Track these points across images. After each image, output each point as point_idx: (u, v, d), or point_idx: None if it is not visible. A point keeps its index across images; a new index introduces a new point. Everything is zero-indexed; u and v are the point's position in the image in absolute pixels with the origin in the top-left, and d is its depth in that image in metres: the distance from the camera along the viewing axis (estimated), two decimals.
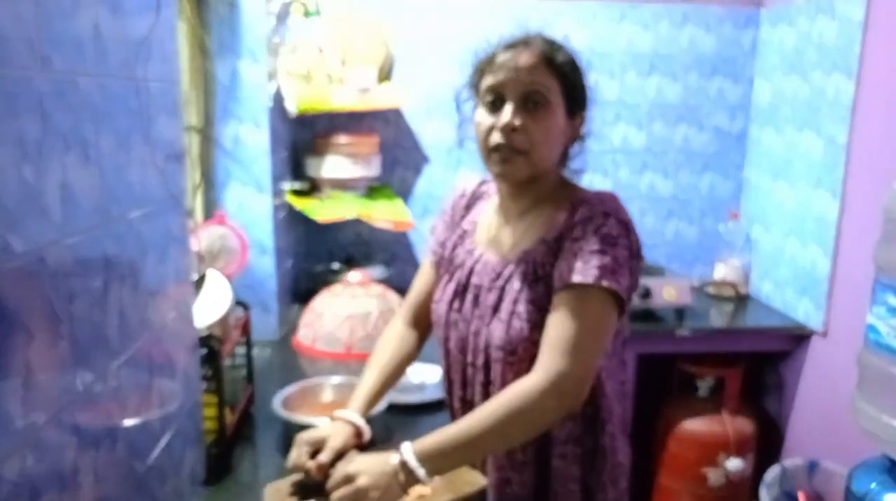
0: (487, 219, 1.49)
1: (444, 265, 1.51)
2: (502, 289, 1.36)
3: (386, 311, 2.36)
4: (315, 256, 3.12)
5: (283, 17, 2.60)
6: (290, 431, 1.68)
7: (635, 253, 1.31)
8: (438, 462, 1.22)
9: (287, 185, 2.73)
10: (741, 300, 3.04)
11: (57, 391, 0.91)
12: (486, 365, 1.38)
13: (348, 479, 1.20)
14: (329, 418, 1.44)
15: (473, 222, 1.51)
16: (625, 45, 3.06)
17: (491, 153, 1.34)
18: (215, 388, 1.60)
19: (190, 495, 1.47)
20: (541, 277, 1.33)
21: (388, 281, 2.77)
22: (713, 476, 2.74)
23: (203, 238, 2.09)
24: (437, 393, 1.96)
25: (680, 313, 2.73)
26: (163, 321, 1.30)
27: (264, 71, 2.35)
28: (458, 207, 1.57)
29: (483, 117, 1.34)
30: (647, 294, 2.61)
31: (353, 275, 2.55)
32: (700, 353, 2.82)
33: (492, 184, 1.51)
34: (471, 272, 1.43)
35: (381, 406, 1.61)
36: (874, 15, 2.34)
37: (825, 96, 2.57)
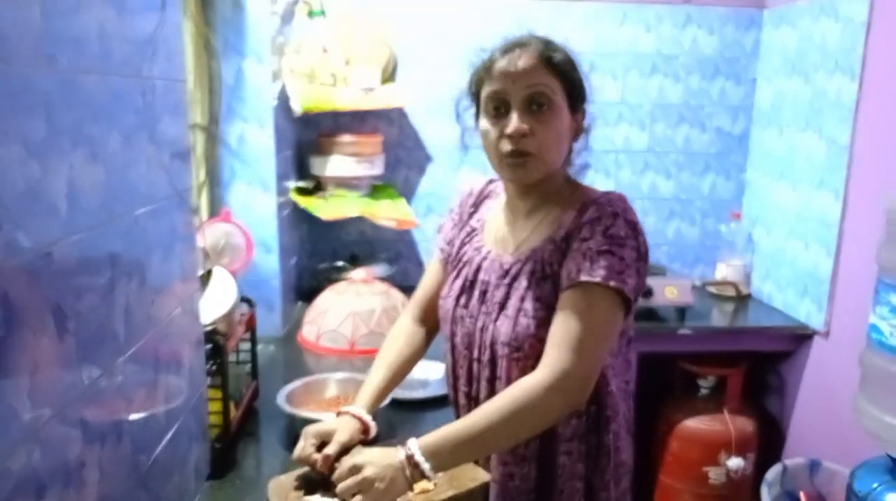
0: (495, 217, 1.50)
1: (452, 262, 1.53)
2: (510, 287, 1.38)
3: (389, 308, 2.38)
4: (319, 254, 3.13)
5: (287, 17, 2.61)
6: (294, 426, 1.70)
7: (643, 254, 1.32)
8: (444, 457, 1.23)
9: (291, 184, 2.74)
10: (742, 300, 3.04)
11: (63, 386, 0.92)
12: (492, 361, 1.39)
13: (354, 470, 1.21)
14: (335, 413, 1.45)
15: (481, 220, 1.53)
16: (627, 45, 3.06)
17: (502, 160, 1.35)
18: (220, 383, 1.61)
19: (194, 489, 1.48)
20: (548, 275, 1.34)
21: (391, 279, 2.79)
22: (714, 475, 2.75)
23: (208, 235, 2.10)
24: (440, 390, 1.97)
25: (681, 312, 2.74)
26: (168, 317, 1.31)
27: (269, 70, 2.36)
28: (466, 206, 1.58)
29: (489, 126, 1.35)
30: (648, 293, 2.62)
31: (357, 273, 2.57)
32: (701, 353, 2.82)
33: (499, 183, 1.52)
34: (478, 269, 1.45)
35: (385, 401, 1.62)
36: (877, 16, 2.34)
37: (827, 97, 2.58)
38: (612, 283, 1.25)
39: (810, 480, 2.41)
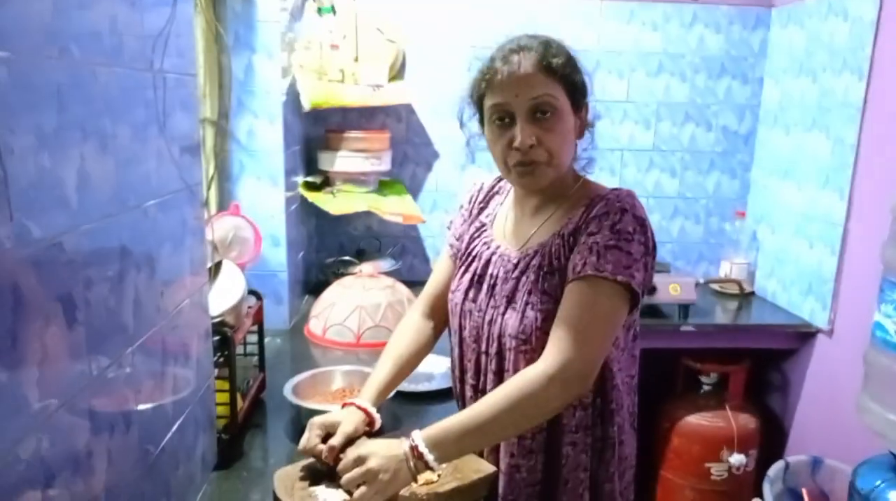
0: (504, 213, 1.52)
1: (461, 257, 1.54)
2: (517, 280, 1.39)
3: (395, 303, 2.40)
4: (326, 248, 3.15)
5: (297, 13, 2.63)
6: (300, 418, 1.72)
7: (650, 249, 1.33)
8: (448, 447, 1.24)
9: (300, 178, 2.76)
10: (746, 297, 3.05)
11: (72, 375, 0.93)
12: (500, 354, 1.41)
13: (359, 461, 1.23)
14: (340, 405, 1.47)
15: (490, 216, 1.55)
16: (633, 44, 3.06)
17: (512, 169, 1.36)
18: (227, 375, 1.63)
19: (201, 479, 1.50)
20: (555, 269, 1.35)
21: (397, 274, 2.80)
22: (716, 472, 2.76)
23: (217, 228, 2.12)
24: (445, 383, 1.98)
25: (685, 309, 2.74)
26: (177, 308, 1.33)
27: (278, 66, 2.38)
28: (476, 202, 1.60)
29: (495, 136, 1.36)
30: (652, 290, 2.63)
31: (364, 268, 2.59)
32: (704, 349, 2.83)
33: None
34: (487, 263, 1.46)
35: (391, 393, 1.63)
36: (886, 15, 2.34)
37: (835, 97, 2.58)
38: (619, 278, 1.26)
39: (812, 477, 2.41)
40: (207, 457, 1.54)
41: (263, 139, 2.41)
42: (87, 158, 0.96)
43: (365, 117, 3.06)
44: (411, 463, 1.22)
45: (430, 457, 1.22)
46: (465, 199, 1.63)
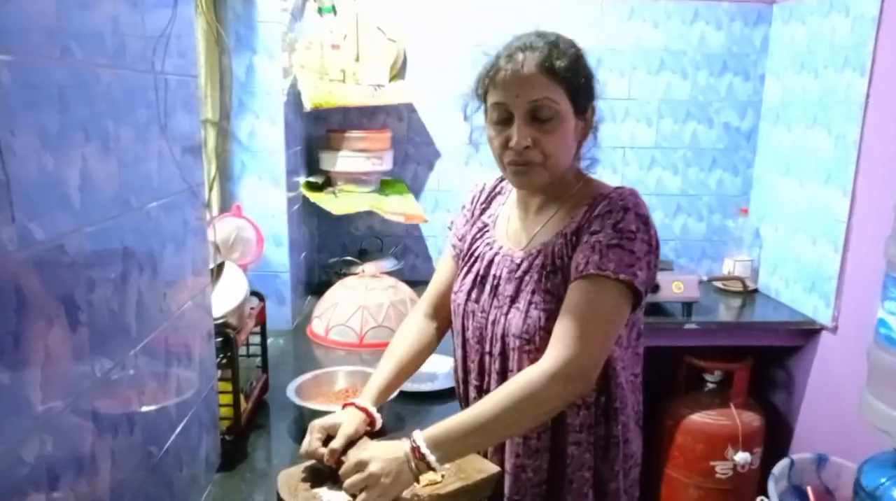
0: (507, 213, 1.52)
1: (464, 258, 1.54)
2: (520, 280, 1.39)
3: (397, 303, 2.40)
4: (328, 249, 3.15)
5: (297, 13, 2.63)
6: (303, 418, 1.71)
7: (654, 247, 1.33)
8: (450, 447, 1.24)
9: (301, 179, 2.76)
10: (749, 295, 3.04)
11: (75, 377, 0.93)
12: (503, 354, 1.41)
13: (360, 466, 1.23)
14: (341, 406, 1.47)
15: (493, 216, 1.55)
16: (635, 42, 3.06)
17: (507, 167, 1.37)
18: (230, 376, 1.62)
19: (205, 481, 1.50)
20: (558, 268, 1.35)
21: (399, 274, 2.80)
22: (721, 470, 2.76)
23: (219, 229, 2.12)
24: (447, 383, 1.98)
25: (688, 307, 2.74)
26: (180, 310, 1.33)
27: (279, 66, 2.38)
28: (478, 202, 1.60)
29: (495, 133, 1.36)
30: (655, 288, 2.62)
31: (366, 268, 2.58)
32: (708, 347, 2.83)
33: None
34: (490, 264, 1.46)
35: (393, 394, 1.63)
36: (888, 11, 2.33)
37: (837, 93, 2.57)
38: (621, 276, 1.26)
39: (817, 475, 2.41)
40: (211, 458, 1.54)
41: (265, 139, 2.41)
42: (90, 160, 0.95)
43: (366, 117, 3.06)
44: (412, 464, 1.23)
45: (431, 458, 1.22)
46: (466, 200, 1.63)
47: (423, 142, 3.11)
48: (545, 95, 1.30)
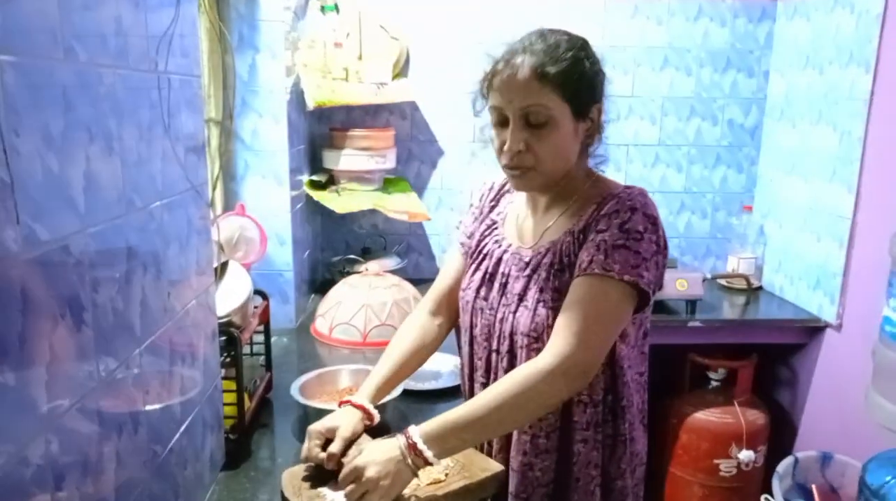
0: (516, 210, 1.52)
1: (472, 255, 1.54)
2: (529, 278, 1.39)
3: (401, 301, 2.40)
4: (331, 247, 3.16)
5: (300, 12, 2.63)
6: (307, 417, 1.72)
7: (661, 248, 1.33)
8: (446, 441, 1.24)
9: (305, 177, 2.76)
10: (754, 292, 3.04)
11: (80, 377, 0.93)
12: (511, 352, 1.41)
13: (356, 472, 1.23)
14: (337, 405, 1.47)
15: (502, 214, 1.55)
16: (638, 39, 3.05)
17: (504, 168, 1.38)
18: (234, 375, 1.62)
19: (209, 479, 1.50)
20: (566, 267, 1.35)
21: (402, 272, 2.81)
22: (725, 468, 2.76)
23: (223, 228, 2.12)
24: (451, 381, 1.99)
25: (692, 305, 2.74)
26: (184, 309, 1.33)
27: (282, 65, 2.38)
28: (487, 200, 1.60)
29: (494, 134, 1.37)
30: (658, 286, 2.62)
31: (370, 266, 2.59)
32: (712, 345, 2.83)
33: None
34: (498, 261, 1.46)
35: (396, 392, 1.63)
36: (893, 8, 2.33)
37: (841, 90, 2.57)
38: (626, 277, 1.26)
39: (822, 473, 2.41)
40: (215, 457, 1.54)
41: (268, 138, 2.41)
42: (93, 160, 0.96)
43: (369, 115, 3.06)
44: (409, 460, 1.23)
45: (428, 453, 1.22)
46: (475, 197, 1.63)
47: (426, 140, 3.11)
48: (537, 101, 1.29)
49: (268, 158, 2.43)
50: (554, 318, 1.32)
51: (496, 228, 1.53)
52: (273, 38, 2.35)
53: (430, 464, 1.23)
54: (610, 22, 3.03)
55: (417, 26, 2.98)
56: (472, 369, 1.52)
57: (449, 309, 1.59)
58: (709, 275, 3.00)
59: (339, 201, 2.74)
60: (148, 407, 1.17)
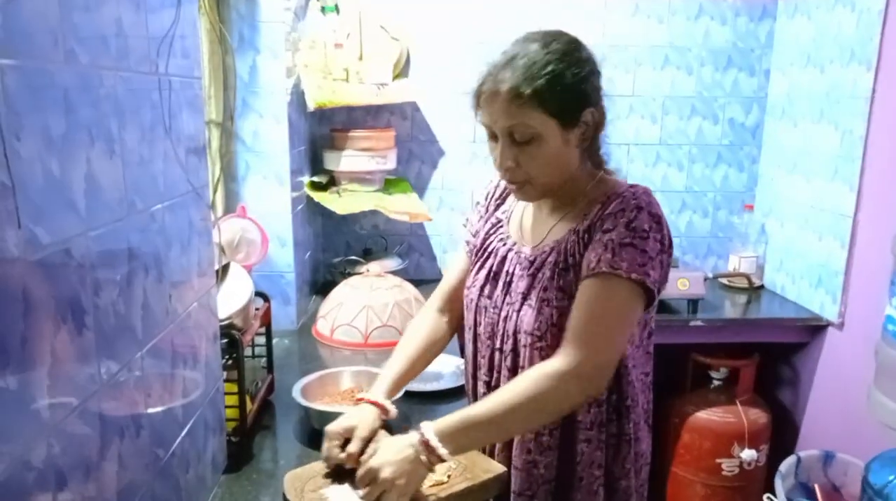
0: (521, 209, 1.52)
1: (477, 253, 1.54)
2: (533, 277, 1.39)
3: (402, 302, 2.39)
4: (333, 248, 3.15)
5: (300, 12, 2.63)
6: (309, 419, 1.72)
7: (666, 246, 1.32)
8: (460, 439, 1.25)
9: (305, 178, 2.75)
10: (755, 291, 3.04)
11: (82, 380, 0.93)
12: (515, 351, 1.41)
13: (372, 474, 1.24)
14: (354, 403, 1.47)
15: (507, 212, 1.55)
16: (639, 38, 3.05)
17: (501, 180, 1.40)
18: (236, 377, 1.62)
19: (212, 482, 1.50)
20: (571, 266, 1.35)
21: (404, 273, 2.80)
22: (727, 467, 2.76)
23: (224, 230, 2.11)
24: (453, 382, 1.99)
25: (694, 304, 2.74)
26: (185, 311, 1.33)
27: (283, 66, 2.37)
28: (492, 198, 1.60)
29: (489, 147, 1.38)
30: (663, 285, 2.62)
31: (371, 267, 2.58)
32: (714, 344, 2.83)
33: None
34: (503, 260, 1.46)
35: (398, 393, 1.63)
36: (894, 5, 2.32)
37: (842, 88, 2.56)
38: (633, 275, 1.26)
39: (824, 472, 2.40)
40: (218, 460, 1.54)
41: (269, 139, 2.41)
42: (94, 163, 0.95)
43: (370, 116, 3.06)
44: (423, 458, 1.23)
45: (443, 451, 1.23)
46: (480, 196, 1.64)
47: (426, 141, 3.11)
48: (519, 121, 1.29)
49: (268, 159, 2.42)
50: (558, 317, 1.32)
51: (501, 226, 1.53)
52: (273, 38, 2.34)
53: (444, 461, 1.24)
54: (611, 21, 3.02)
55: (418, 26, 2.97)
56: (476, 367, 1.52)
57: (456, 307, 1.60)
58: (710, 275, 3.00)
59: (339, 202, 2.74)
60: (150, 410, 1.17)
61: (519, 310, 1.39)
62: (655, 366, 1.52)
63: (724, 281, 3.10)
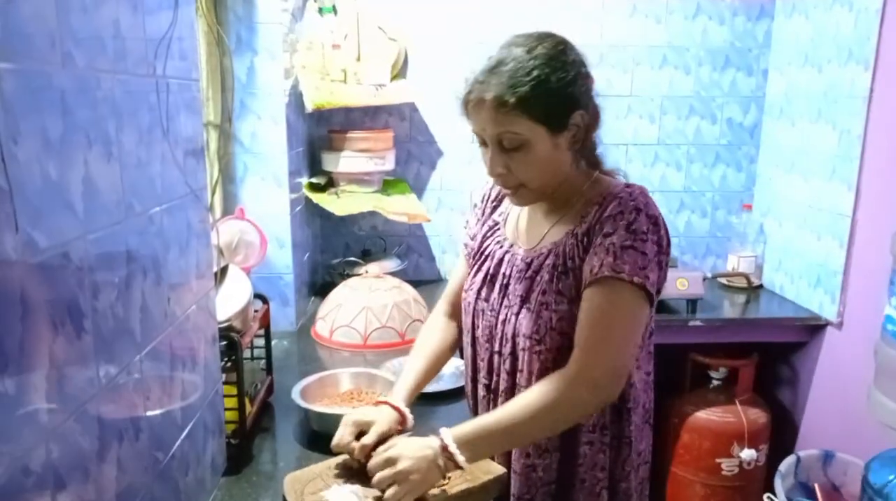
0: (517, 211, 1.51)
1: (475, 256, 1.54)
2: (531, 280, 1.38)
3: (401, 303, 2.39)
4: (331, 249, 3.15)
5: (298, 14, 2.62)
6: (308, 421, 1.71)
7: (664, 248, 1.32)
8: (478, 447, 1.26)
9: (304, 180, 2.75)
10: (754, 291, 3.03)
11: (81, 384, 0.92)
12: (513, 354, 1.40)
13: (390, 462, 1.24)
14: (374, 403, 1.48)
15: (504, 214, 1.55)
16: (637, 37, 3.05)
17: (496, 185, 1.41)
18: (235, 380, 1.62)
19: (211, 485, 1.50)
20: (569, 269, 1.34)
21: (403, 274, 2.80)
22: (727, 467, 2.76)
23: (222, 232, 2.11)
24: (452, 383, 1.99)
25: (692, 304, 2.74)
26: (184, 314, 1.32)
27: (281, 67, 2.37)
28: (489, 201, 1.60)
29: (481, 152, 1.38)
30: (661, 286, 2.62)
31: (370, 268, 2.58)
32: (713, 344, 2.83)
33: None
34: (500, 262, 1.46)
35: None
36: (892, 5, 2.32)
37: (840, 88, 2.56)
38: (635, 279, 1.26)
39: (824, 471, 2.40)
40: (217, 462, 1.54)
41: (267, 141, 2.41)
42: (92, 165, 0.95)
43: (368, 117, 3.06)
44: (440, 462, 1.24)
45: (460, 458, 1.24)
46: (477, 198, 1.64)
47: (425, 142, 3.11)
48: (506, 129, 1.28)
49: (267, 161, 2.42)
50: (557, 321, 1.32)
51: (498, 229, 1.52)
52: (271, 40, 2.34)
53: (461, 468, 1.25)
54: (608, 21, 3.02)
55: (415, 27, 2.97)
56: (475, 371, 1.52)
57: (462, 312, 1.60)
58: (709, 274, 2.99)
59: (338, 203, 2.74)
60: (149, 413, 1.16)
61: (517, 314, 1.38)
62: (655, 366, 1.52)
63: (723, 280, 3.10)
